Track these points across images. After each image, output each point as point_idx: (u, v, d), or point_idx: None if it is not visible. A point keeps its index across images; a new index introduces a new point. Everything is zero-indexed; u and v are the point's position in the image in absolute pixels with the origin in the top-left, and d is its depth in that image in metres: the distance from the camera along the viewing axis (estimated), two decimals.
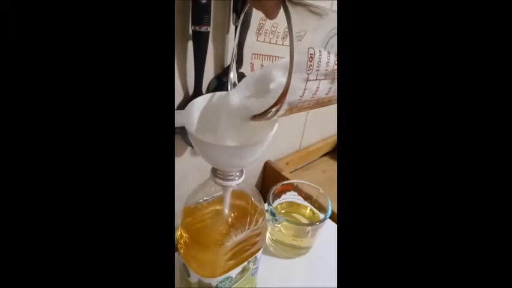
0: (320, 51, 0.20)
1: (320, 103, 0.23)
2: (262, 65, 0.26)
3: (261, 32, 0.23)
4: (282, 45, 0.24)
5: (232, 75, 0.26)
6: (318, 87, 0.20)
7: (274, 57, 0.26)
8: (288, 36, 0.18)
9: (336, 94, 0.23)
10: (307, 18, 0.20)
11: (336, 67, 0.21)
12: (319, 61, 0.20)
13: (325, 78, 0.21)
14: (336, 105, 0.23)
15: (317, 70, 0.20)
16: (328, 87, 0.21)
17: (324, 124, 0.77)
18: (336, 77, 0.21)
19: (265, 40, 0.24)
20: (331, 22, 0.21)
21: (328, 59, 0.20)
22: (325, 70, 0.20)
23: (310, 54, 0.19)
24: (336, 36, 0.21)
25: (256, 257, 0.35)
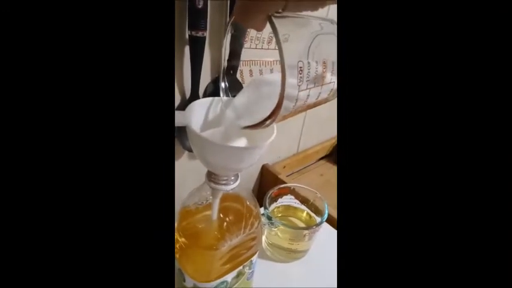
0: (309, 63, 0.20)
1: (311, 106, 0.24)
2: (251, 71, 0.26)
3: (247, 39, 0.24)
4: (268, 49, 0.25)
5: (224, 84, 0.26)
6: (308, 95, 0.21)
7: (261, 62, 0.26)
8: (275, 41, 0.18)
9: (324, 96, 0.23)
10: (293, 29, 0.20)
11: (324, 74, 0.21)
12: (309, 71, 0.20)
13: (314, 86, 0.21)
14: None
15: (307, 80, 0.20)
16: (318, 93, 0.22)
17: (322, 127, 0.77)
18: (324, 82, 0.22)
19: (251, 46, 0.25)
20: (314, 26, 0.22)
21: (317, 68, 0.21)
22: (314, 79, 0.21)
23: (300, 67, 0.20)
24: (320, 35, 0.21)
25: (251, 261, 0.35)
